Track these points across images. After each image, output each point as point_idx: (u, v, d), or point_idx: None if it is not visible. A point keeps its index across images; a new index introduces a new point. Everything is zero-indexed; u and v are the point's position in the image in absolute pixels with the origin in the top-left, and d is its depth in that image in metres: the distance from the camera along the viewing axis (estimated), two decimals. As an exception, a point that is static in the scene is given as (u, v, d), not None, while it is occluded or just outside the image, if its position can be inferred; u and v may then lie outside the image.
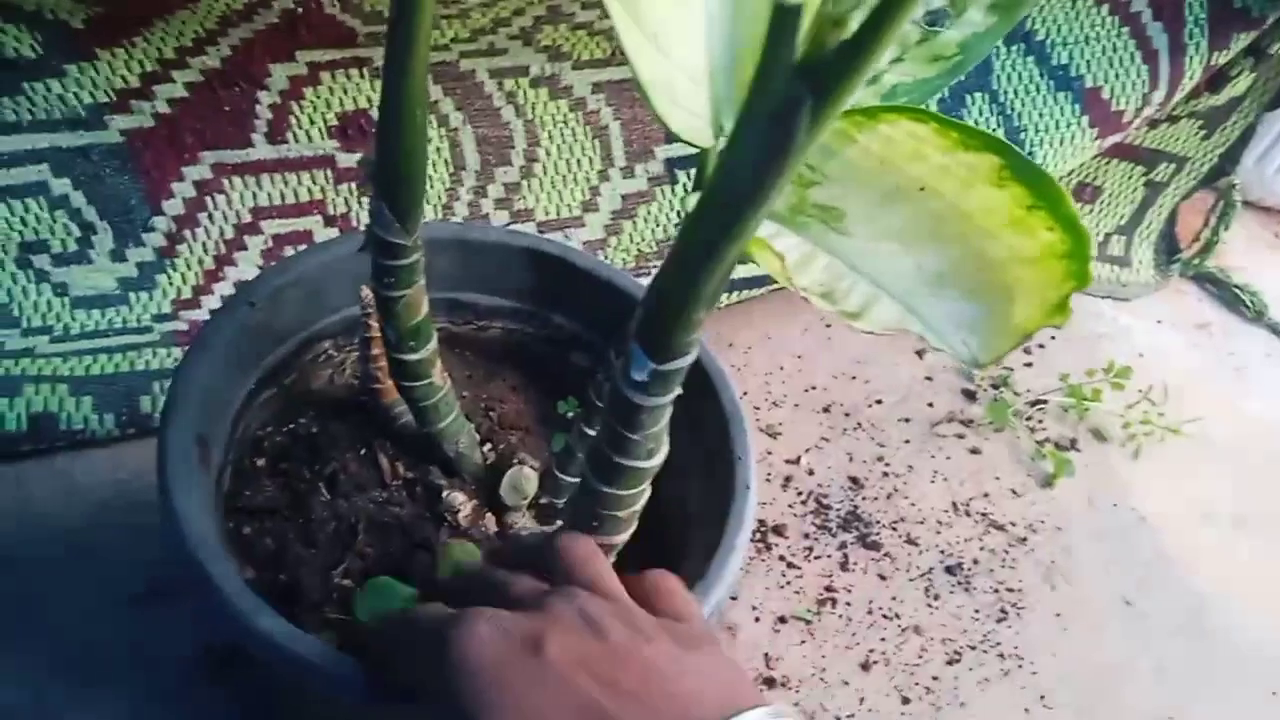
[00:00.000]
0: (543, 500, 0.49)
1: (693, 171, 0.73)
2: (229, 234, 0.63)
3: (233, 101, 0.61)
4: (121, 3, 0.56)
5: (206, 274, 0.63)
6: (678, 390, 0.35)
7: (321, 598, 0.43)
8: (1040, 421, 0.77)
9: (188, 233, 0.63)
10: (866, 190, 0.35)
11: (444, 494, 0.47)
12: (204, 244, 0.63)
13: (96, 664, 0.52)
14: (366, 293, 0.45)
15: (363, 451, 0.48)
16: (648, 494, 0.39)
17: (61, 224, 0.60)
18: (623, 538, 0.40)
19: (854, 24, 0.25)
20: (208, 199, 0.63)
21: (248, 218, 0.64)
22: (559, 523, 0.48)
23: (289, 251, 0.65)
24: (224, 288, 0.64)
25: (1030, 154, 0.77)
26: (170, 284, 0.63)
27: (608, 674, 0.31)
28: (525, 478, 0.48)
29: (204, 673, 0.52)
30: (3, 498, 0.56)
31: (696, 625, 0.35)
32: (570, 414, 0.54)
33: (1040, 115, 0.77)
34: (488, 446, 0.51)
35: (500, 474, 0.49)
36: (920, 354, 0.80)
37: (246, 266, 0.64)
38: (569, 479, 0.48)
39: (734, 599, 0.62)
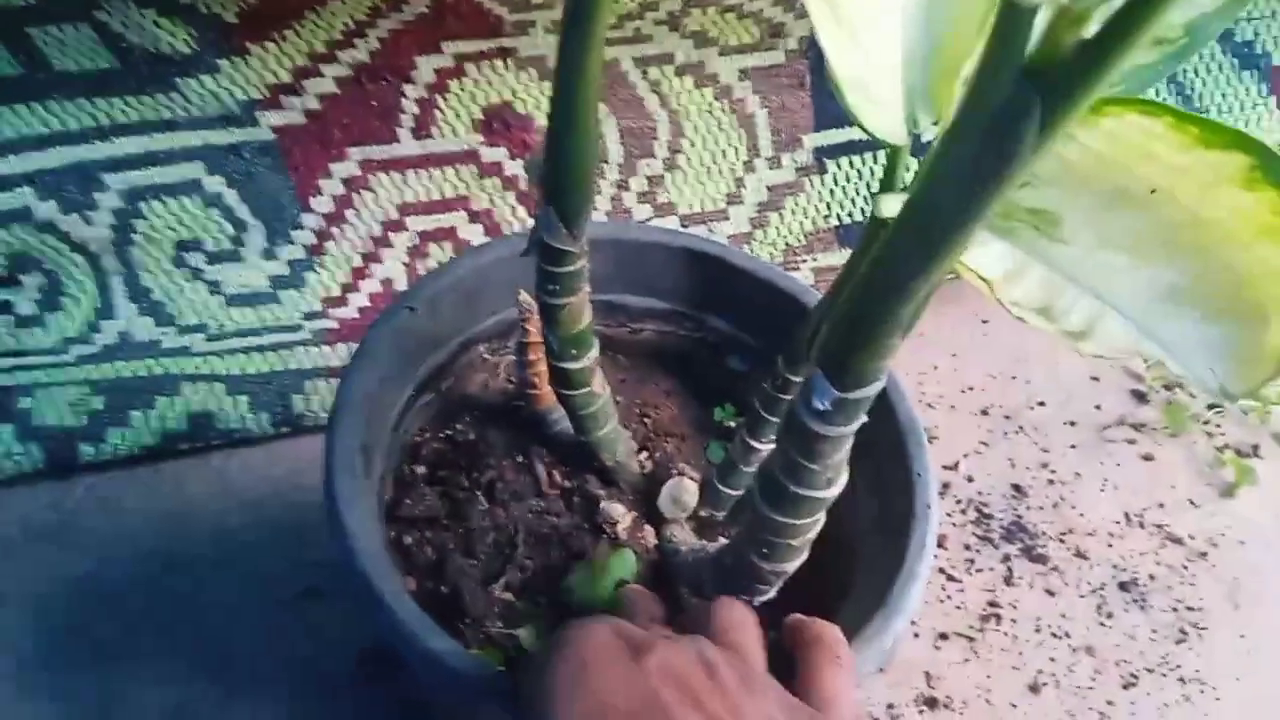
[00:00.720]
0: (702, 513, 0.47)
1: (843, 161, 0.69)
2: (376, 231, 0.63)
3: (380, 96, 0.61)
4: (274, -3, 0.56)
5: (354, 271, 0.63)
6: (863, 418, 0.32)
7: (483, 610, 0.42)
8: (1219, 426, 0.72)
9: (336, 230, 0.62)
10: (1087, 193, 0.32)
11: (602, 504, 0.46)
12: (352, 241, 0.63)
13: (252, 662, 0.53)
14: (525, 297, 0.44)
15: (519, 459, 0.47)
16: (822, 522, 0.36)
17: (215, 222, 0.61)
18: (794, 565, 0.38)
19: (1096, 22, 0.22)
20: (355, 196, 0.62)
21: (394, 214, 0.63)
22: (720, 538, 0.46)
23: (434, 248, 0.64)
24: (371, 285, 0.63)
25: (1213, 136, 0.71)
26: (320, 282, 0.63)
27: (694, 696, 0.30)
28: (685, 489, 0.46)
29: (359, 672, 0.52)
30: (163, 496, 0.57)
31: (834, 714, 0.33)
32: (728, 422, 0.52)
33: (1223, 95, 0.71)
34: (644, 454, 0.49)
35: (658, 484, 0.47)
36: (1082, 351, 0.75)
37: (393, 264, 0.64)
38: (729, 491, 0.46)
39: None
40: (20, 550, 0.56)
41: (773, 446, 0.43)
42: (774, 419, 0.43)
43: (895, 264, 0.29)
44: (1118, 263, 0.32)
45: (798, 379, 0.41)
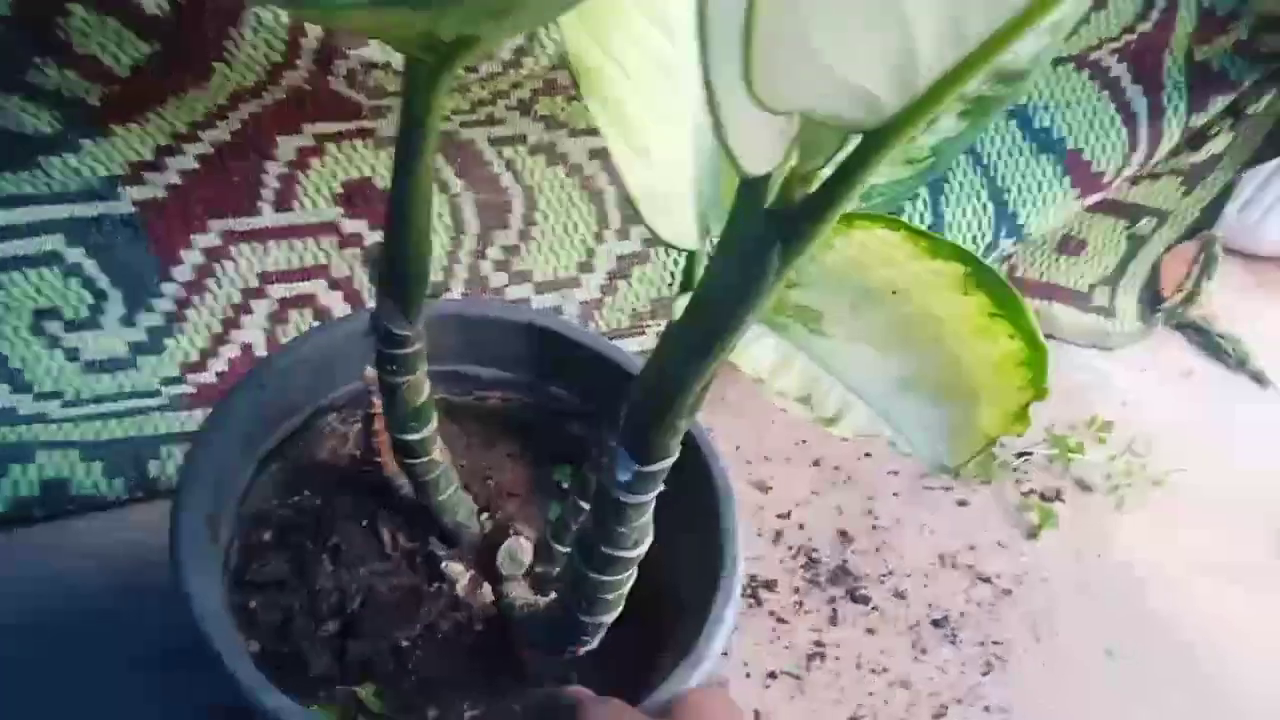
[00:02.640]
0: (538, 569, 0.51)
1: (686, 232, 0.75)
2: (236, 299, 0.65)
3: (242, 172, 0.64)
4: (137, 83, 0.58)
5: (213, 338, 0.65)
6: (661, 487, 0.37)
7: (325, 669, 0.45)
8: (1026, 473, 0.79)
9: (196, 298, 0.65)
10: (842, 293, 0.38)
11: (443, 564, 0.49)
12: (211, 309, 0.65)
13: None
14: (370, 373, 0.47)
15: (364, 523, 0.50)
16: (634, 577, 0.41)
17: (74, 291, 0.62)
18: (610, 617, 0.42)
19: (822, 177, 0.27)
20: (216, 265, 0.65)
21: (254, 283, 0.66)
22: (553, 593, 0.50)
23: (294, 314, 0.67)
24: (231, 350, 0.66)
25: (1014, 214, 0.79)
26: (178, 348, 0.65)
27: None
28: (520, 548, 0.50)
29: (211, 732, 0.54)
30: (16, 563, 0.58)
31: None
32: (566, 483, 0.56)
33: (1023, 177, 0.79)
34: (485, 515, 0.53)
35: (497, 543, 0.51)
36: (909, 406, 0.82)
37: (253, 330, 0.66)
38: (563, 549, 0.50)
39: (725, 654, 0.63)
40: None
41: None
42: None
43: (678, 363, 0.34)
44: (865, 354, 0.37)
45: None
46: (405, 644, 0.47)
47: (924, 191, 0.78)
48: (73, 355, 0.63)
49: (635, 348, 0.74)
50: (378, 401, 0.48)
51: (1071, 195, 0.80)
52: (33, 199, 0.60)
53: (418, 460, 0.47)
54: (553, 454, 0.57)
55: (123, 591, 0.58)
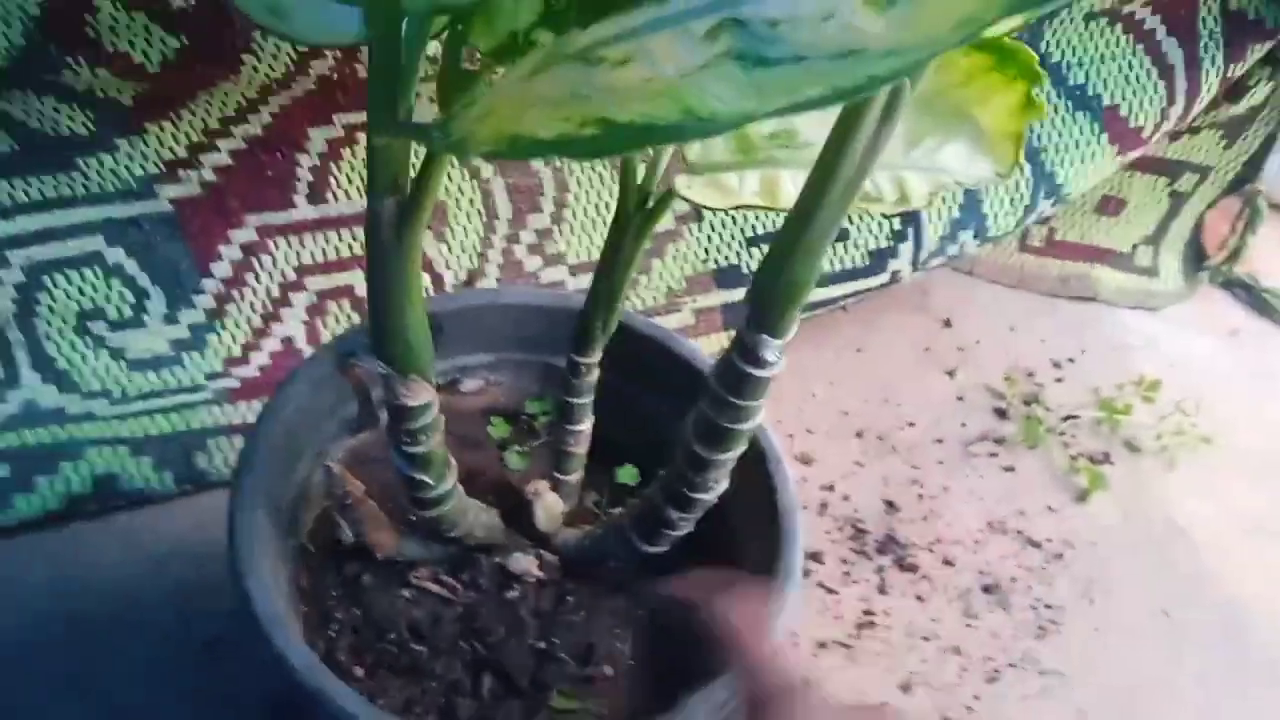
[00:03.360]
0: (564, 510, 0.51)
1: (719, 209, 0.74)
2: (275, 292, 0.66)
3: (275, 166, 0.64)
4: (168, 79, 0.59)
5: (255, 332, 0.66)
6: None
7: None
8: (1073, 436, 0.78)
9: (235, 293, 0.65)
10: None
11: (508, 567, 0.49)
12: (251, 303, 0.66)
13: (161, 715, 0.55)
14: (337, 467, 0.46)
15: (408, 594, 0.48)
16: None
17: (117, 291, 0.63)
18: (724, 486, 0.44)
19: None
20: (254, 260, 0.65)
21: (292, 276, 0.66)
22: (582, 524, 0.51)
23: (332, 307, 0.68)
24: (272, 344, 0.66)
25: (1051, 174, 0.78)
26: (220, 343, 0.65)
27: None
28: (550, 504, 0.50)
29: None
30: (71, 557, 0.59)
31: None
32: (501, 434, 0.56)
33: (1059, 135, 0.78)
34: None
35: (525, 514, 0.50)
36: (951, 374, 0.81)
37: (293, 323, 0.67)
38: (570, 478, 0.52)
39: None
40: (-69, 617, 0.57)
41: (586, 424, 0.49)
42: (582, 400, 0.49)
43: (804, 239, 0.36)
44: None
45: (588, 360, 0.47)
46: (543, 645, 0.48)
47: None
48: (118, 354, 0.64)
49: (674, 324, 0.74)
50: (354, 491, 0.46)
51: (1110, 152, 0.78)
52: (71, 201, 0.61)
53: (446, 507, 0.45)
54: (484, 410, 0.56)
55: (174, 582, 0.59)
